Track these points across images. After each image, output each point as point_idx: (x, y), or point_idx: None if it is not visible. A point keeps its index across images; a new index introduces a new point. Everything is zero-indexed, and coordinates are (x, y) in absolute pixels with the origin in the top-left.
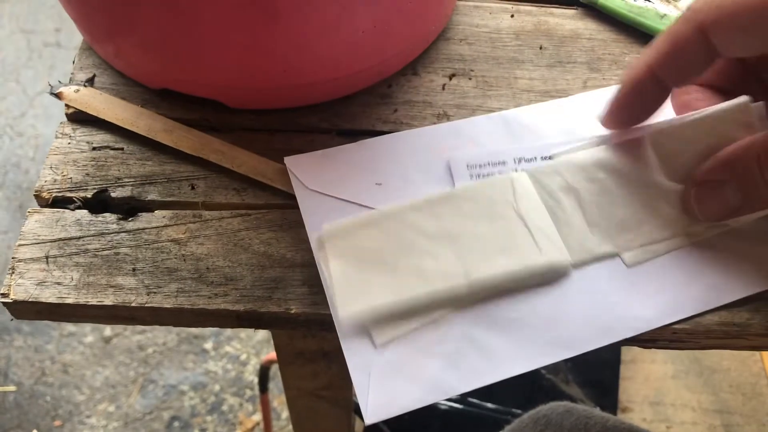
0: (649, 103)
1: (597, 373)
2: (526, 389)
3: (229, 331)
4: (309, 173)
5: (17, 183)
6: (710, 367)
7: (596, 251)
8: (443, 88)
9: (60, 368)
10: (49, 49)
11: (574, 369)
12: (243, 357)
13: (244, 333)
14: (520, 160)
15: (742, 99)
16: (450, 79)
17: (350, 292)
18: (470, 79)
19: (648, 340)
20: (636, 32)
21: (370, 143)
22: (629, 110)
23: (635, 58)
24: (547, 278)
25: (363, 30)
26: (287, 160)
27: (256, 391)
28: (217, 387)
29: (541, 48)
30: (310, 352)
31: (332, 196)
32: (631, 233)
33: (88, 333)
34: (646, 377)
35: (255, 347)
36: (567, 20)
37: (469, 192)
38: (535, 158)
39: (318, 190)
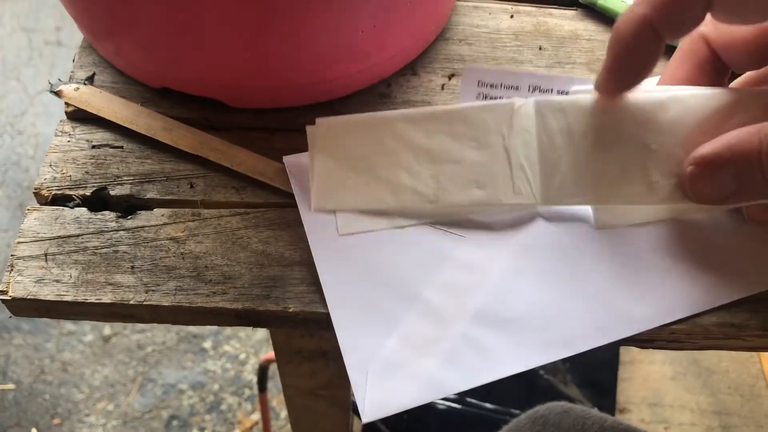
0: (647, 57)
1: (595, 373)
2: (524, 389)
3: (228, 331)
4: (308, 172)
5: (17, 181)
6: (709, 368)
7: (570, 200)
8: (442, 88)
9: (59, 367)
10: (50, 47)
11: (573, 369)
12: (242, 356)
13: (243, 332)
14: (534, 89)
15: None
16: (449, 79)
17: (327, 188)
18: None
19: (646, 340)
20: None
21: None
22: (628, 69)
23: (624, 14)
24: (513, 214)
25: (362, 30)
26: (286, 159)
27: (255, 391)
28: (216, 386)
29: (540, 49)
30: (309, 351)
31: None
32: (612, 190)
33: (88, 332)
34: (645, 378)
35: (254, 346)
36: (566, 21)
37: (465, 113)
38: (551, 90)
39: None
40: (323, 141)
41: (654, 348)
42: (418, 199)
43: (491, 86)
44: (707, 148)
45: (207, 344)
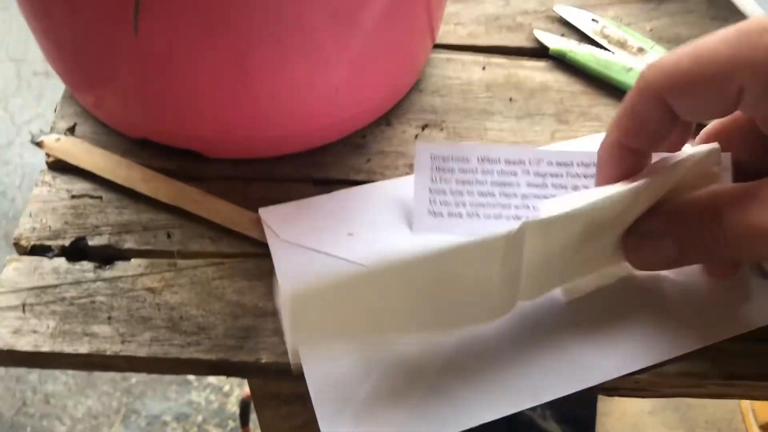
0: (633, 171)
1: (574, 408)
2: (504, 424)
3: None
4: (282, 224)
5: (3, 211)
6: (687, 402)
7: (541, 294)
8: (415, 139)
9: (42, 398)
10: (38, 78)
11: (552, 404)
12: (226, 388)
13: None
14: (483, 160)
15: (713, 146)
16: (422, 129)
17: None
18: (442, 130)
19: (611, 388)
20: (603, 84)
21: (343, 194)
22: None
23: (605, 130)
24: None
25: (336, 86)
26: (261, 211)
27: (239, 423)
28: (200, 418)
29: (510, 100)
30: (285, 395)
31: (304, 247)
32: (582, 278)
33: None
34: (623, 412)
35: (238, 378)
36: (537, 72)
37: (452, 259)
38: (499, 160)
39: (291, 241)
40: (301, 312)
41: (619, 396)
42: (402, 335)
43: (443, 159)
44: (649, 220)
45: (191, 375)
